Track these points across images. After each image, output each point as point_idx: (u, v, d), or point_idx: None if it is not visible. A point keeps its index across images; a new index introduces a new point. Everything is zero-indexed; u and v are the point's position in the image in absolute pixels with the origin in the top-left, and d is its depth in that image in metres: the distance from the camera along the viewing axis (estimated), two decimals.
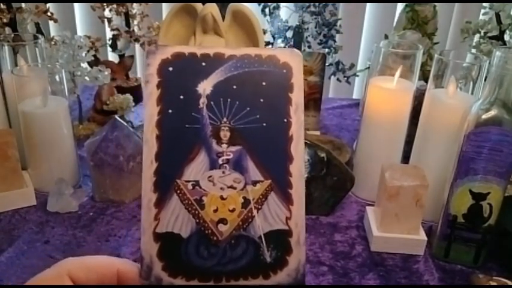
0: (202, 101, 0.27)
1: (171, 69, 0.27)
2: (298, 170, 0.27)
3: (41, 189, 0.75)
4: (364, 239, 0.70)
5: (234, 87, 0.27)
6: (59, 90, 0.75)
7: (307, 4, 0.98)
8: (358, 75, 1.13)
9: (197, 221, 0.26)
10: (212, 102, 0.27)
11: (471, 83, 0.69)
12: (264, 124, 0.27)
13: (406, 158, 0.77)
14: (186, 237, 0.26)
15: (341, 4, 1.34)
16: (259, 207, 0.27)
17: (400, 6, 1.33)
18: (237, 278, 0.26)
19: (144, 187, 0.26)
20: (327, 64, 0.98)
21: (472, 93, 0.69)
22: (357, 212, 0.76)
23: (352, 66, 1.07)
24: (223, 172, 0.27)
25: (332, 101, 1.19)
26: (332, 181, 0.73)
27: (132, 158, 0.72)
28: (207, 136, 0.27)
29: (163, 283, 0.26)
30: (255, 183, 0.27)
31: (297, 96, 0.27)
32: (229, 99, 0.27)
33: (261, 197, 0.27)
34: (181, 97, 0.26)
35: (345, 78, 1.07)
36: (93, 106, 1.01)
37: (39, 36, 0.80)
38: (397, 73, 0.73)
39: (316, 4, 0.98)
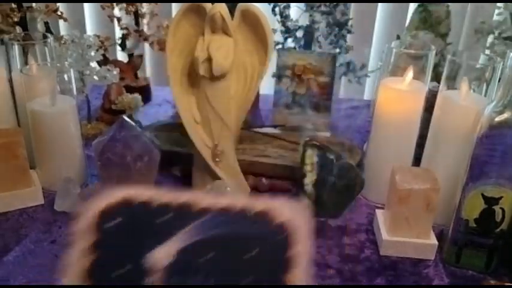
0: (158, 277, 0.17)
1: (112, 223, 0.18)
2: None
3: (49, 188, 0.75)
4: (373, 243, 0.69)
5: (209, 255, 0.18)
6: (67, 90, 0.75)
7: (317, 4, 0.97)
8: (369, 76, 1.12)
9: None
10: (174, 278, 0.17)
11: (484, 84, 0.67)
12: None
13: (417, 161, 0.76)
14: None
15: (352, 4, 1.32)
16: None
17: (412, 6, 1.31)
18: None
19: None
20: (337, 64, 0.97)
21: (485, 95, 0.67)
22: (367, 215, 0.75)
23: (363, 66, 1.06)
24: None
25: (343, 101, 1.18)
26: (341, 183, 0.72)
27: (139, 158, 0.71)
28: None
29: None
30: None
31: (302, 273, 0.18)
32: (199, 276, 0.17)
33: None
34: (125, 269, 0.18)
35: (356, 79, 1.06)
36: (102, 105, 1.01)
37: (49, 35, 0.81)
38: (409, 74, 0.72)
39: (327, 4, 0.97)
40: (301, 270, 0.18)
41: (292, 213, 0.18)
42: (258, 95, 1.05)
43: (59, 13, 0.96)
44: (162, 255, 0.17)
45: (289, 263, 0.17)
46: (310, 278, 0.18)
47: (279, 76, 0.96)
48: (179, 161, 0.82)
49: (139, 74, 1.13)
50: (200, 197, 0.18)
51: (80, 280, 0.18)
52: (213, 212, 0.18)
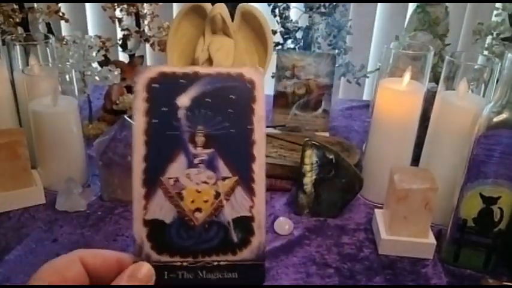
0: (181, 112, 0.32)
1: (156, 85, 0.32)
2: (260, 168, 0.32)
3: (50, 187, 0.76)
4: (372, 242, 0.69)
5: (208, 100, 0.32)
6: (69, 90, 0.75)
7: (317, 5, 0.98)
8: (368, 77, 1.12)
9: (178, 210, 0.32)
10: (189, 113, 0.32)
11: (482, 85, 0.68)
12: (232, 130, 0.32)
13: (415, 161, 0.76)
14: (169, 223, 0.32)
15: (352, 5, 1.33)
16: (228, 198, 0.32)
17: (411, 7, 1.32)
18: (210, 254, 0.32)
19: (134, 183, 0.32)
20: (336, 65, 0.97)
21: (483, 96, 0.68)
22: (365, 214, 0.75)
23: (362, 67, 1.06)
24: (199, 170, 0.32)
25: (342, 102, 1.18)
26: (340, 183, 0.72)
27: None
28: (185, 141, 0.32)
29: (152, 259, 0.32)
30: (224, 179, 0.32)
31: (259, 107, 0.32)
32: (203, 110, 0.32)
33: (229, 190, 0.32)
34: (164, 109, 0.32)
35: (355, 80, 1.06)
36: (103, 106, 1.01)
37: (50, 36, 0.81)
38: (407, 75, 0.73)
39: (326, 5, 0.98)
40: (260, 103, 0.32)
41: (255, 74, 0.32)
42: None
43: (60, 14, 0.97)
44: (184, 100, 0.31)
45: (254, 99, 0.32)
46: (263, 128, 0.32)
47: (278, 77, 0.96)
48: None
49: None
50: (205, 68, 0.32)
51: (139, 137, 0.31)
52: (212, 75, 0.32)
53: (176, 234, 0.32)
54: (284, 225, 0.70)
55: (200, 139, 0.32)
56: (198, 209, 0.32)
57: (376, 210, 0.72)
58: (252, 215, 0.32)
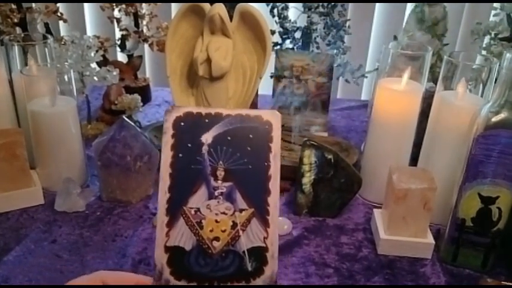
0: (205, 148, 0.35)
1: (182, 124, 0.35)
2: (274, 201, 0.35)
3: (49, 188, 0.76)
4: (371, 242, 0.69)
5: (229, 138, 0.35)
6: (67, 90, 0.75)
7: (315, 5, 0.98)
8: (366, 77, 1.12)
9: (197, 238, 0.34)
10: (212, 149, 0.35)
11: (481, 85, 0.68)
12: (250, 166, 0.35)
13: (414, 160, 0.77)
14: (189, 250, 0.34)
15: (350, 5, 1.33)
16: (244, 229, 0.34)
17: (409, 7, 1.32)
18: (225, 281, 0.34)
19: (159, 212, 0.34)
20: (335, 65, 0.97)
21: (481, 96, 0.68)
22: (364, 214, 0.76)
23: (361, 67, 1.06)
24: (218, 202, 0.35)
25: (340, 102, 1.18)
26: (339, 183, 0.72)
27: (139, 158, 0.72)
28: (207, 174, 0.35)
29: (170, 283, 0.33)
30: (241, 210, 0.34)
31: (276, 146, 0.35)
32: (224, 147, 0.35)
33: (245, 221, 0.34)
34: (189, 145, 0.35)
35: (353, 80, 1.06)
36: (102, 106, 1.01)
37: (49, 36, 0.81)
38: (406, 75, 0.73)
39: (325, 5, 0.98)
40: (276, 142, 0.35)
41: (272, 116, 0.35)
42: (256, 95, 1.06)
43: (58, 14, 0.96)
44: (207, 137, 0.34)
45: (271, 139, 0.35)
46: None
47: (277, 76, 0.96)
48: None
49: (139, 74, 1.14)
50: (226, 109, 0.35)
51: (166, 170, 0.34)
52: (232, 115, 0.35)
53: (195, 261, 0.34)
54: (283, 225, 0.70)
55: (220, 173, 0.35)
56: (216, 238, 0.34)
57: (374, 210, 0.72)
58: (266, 246, 0.34)
